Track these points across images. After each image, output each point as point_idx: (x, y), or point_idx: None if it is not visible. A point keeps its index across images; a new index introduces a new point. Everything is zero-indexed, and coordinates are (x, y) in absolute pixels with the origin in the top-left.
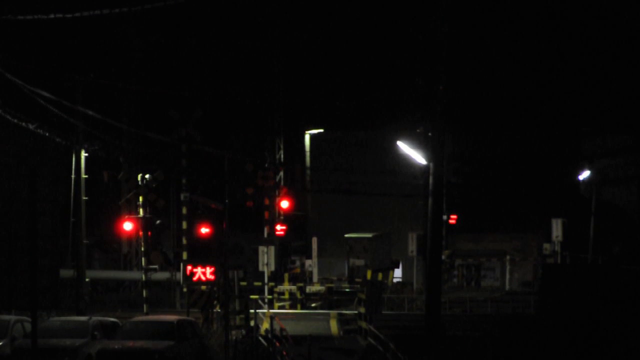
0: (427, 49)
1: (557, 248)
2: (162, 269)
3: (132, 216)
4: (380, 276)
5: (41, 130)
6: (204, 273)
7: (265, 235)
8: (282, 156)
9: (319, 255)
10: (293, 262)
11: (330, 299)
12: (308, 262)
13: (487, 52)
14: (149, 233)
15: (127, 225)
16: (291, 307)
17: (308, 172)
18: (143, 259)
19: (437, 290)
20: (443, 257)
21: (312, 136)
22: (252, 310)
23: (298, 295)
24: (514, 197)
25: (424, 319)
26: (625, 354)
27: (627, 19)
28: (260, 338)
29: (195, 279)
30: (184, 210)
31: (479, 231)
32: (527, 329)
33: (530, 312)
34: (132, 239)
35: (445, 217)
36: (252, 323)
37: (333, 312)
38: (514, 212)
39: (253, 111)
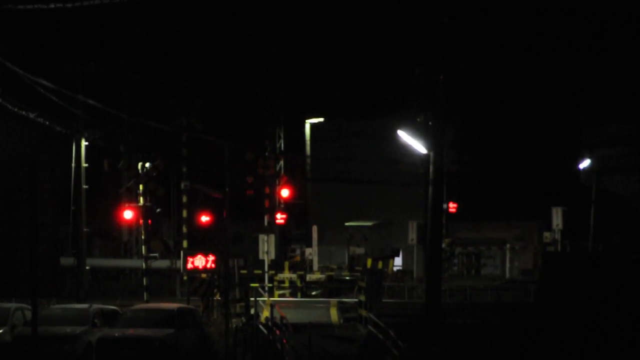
0: (427, 38)
1: (558, 236)
2: (162, 257)
3: (133, 204)
4: (380, 264)
5: (42, 119)
6: (205, 261)
7: (266, 223)
8: (282, 145)
9: (319, 244)
10: (293, 251)
11: (330, 287)
12: (308, 251)
13: (488, 40)
14: (149, 221)
15: (128, 214)
16: (291, 295)
17: (308, 160)
18: (143, 247)
19: (437, 279)
20: (443, 245)
21: (313, 125)
22: (252, 299)
23: (298, 284)
24: (514, 185)
25: (424, 307)
26: (625, 343)
27: (627, 8)
28: (260, 326)
29: (195, 267)
30: (184, 199)
31: (479, 219)
32: (527, 317)
33: (530, 301)
34: (132, 227)
35: (445, 205)
36: (252, 311)
37: (333, 300)
38: (514, 201)
39: (253, 100)
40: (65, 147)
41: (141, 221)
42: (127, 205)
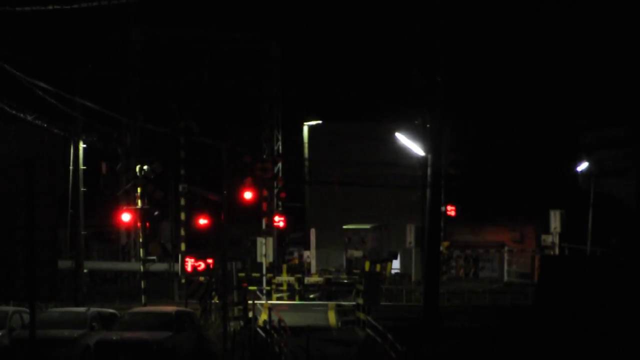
0: (425, 40)
1: (556, 239)
2: (160, 260)
3: (131, 207)
4: (378, 267)
5: (39, 122)
6: (202, 264)
7: (264, 226)
8: (280, 148)
9: (317, 247)
10: (291, 254)
11: (328, 290)
12: (306, 254)
13: (485, 43)
14: (147, 224)
15: (126, 217)
16: (289, 299)
17: (306, 163)
18: (141, 250)
19: (435, 282)
20: (441, 248)
21: (311, 127)
22: (250, 302)
23: (296, 287)
24: (512, 188)
25: (422, 310)
26: (623, 346)
27: (625, 10)
28: (258, 329)
29: (193, 269)
30: (182, 202)
31: (478, 222)
32: (526, 320)
33: (529, 304)
34: (130, 230)
35: (443, 208)
36: (250, 314)
37: (331, 304)
38: (512, 204)
39: (251, 103)
40: (63, 149)
41: (139, 224)
42: (125, 208)
